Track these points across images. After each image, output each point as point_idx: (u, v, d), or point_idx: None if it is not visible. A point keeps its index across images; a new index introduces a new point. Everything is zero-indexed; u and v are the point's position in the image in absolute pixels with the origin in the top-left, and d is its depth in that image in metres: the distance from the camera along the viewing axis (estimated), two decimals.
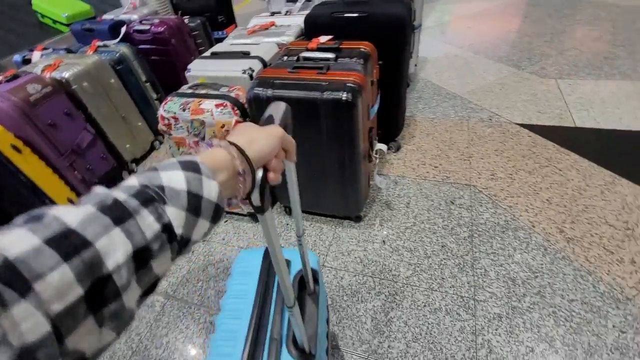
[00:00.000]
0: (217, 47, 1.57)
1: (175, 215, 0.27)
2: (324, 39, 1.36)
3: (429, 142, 1.83)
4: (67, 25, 3.45)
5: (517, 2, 3.39)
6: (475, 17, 3.20)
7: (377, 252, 1.35)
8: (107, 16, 2.54)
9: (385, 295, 1.20)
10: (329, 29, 1.45)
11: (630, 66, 2.17)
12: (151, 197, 0.26)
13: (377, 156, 1.31)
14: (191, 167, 0.30)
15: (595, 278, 1.15)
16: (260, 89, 1.12)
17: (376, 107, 1.46)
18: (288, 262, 0.76)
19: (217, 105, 1.19)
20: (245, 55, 1.44)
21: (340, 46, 1.30)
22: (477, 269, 1.24)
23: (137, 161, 2.01)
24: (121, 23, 2.31)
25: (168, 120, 1.27)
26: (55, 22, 3.70)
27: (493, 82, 2.24)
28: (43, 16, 3.78)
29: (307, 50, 1.31)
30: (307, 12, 1.80)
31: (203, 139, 1.25)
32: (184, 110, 1.23)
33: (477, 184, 1.56)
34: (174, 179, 0.28)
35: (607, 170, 1.51)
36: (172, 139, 1.31)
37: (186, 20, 2.42)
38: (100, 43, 1.92)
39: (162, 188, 0.27)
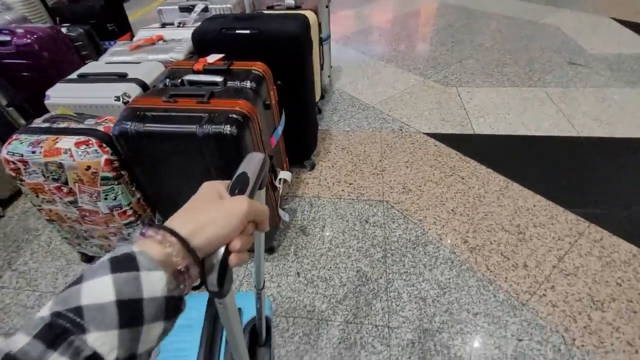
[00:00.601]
0: (88, 67, 1.33)
1: (102, 340, 0.22)
2: (212, 58, 1.22)
3: (343, 157, 1.80)
4: None
5: (422, 11, 3.60)
6: (385, 26, 3.32)
7: (292, 286, 1.26)
8: None
9: (300, 337, 1.12)
10: (220, 47, 1.31)
11: (515, 73, 2.41)
12: (63, 331, 0.22)
13: (281, 185, 1.21)
14: (124, 265, 0.25)
15: (496, 287, 1.21)
16: (129, 123, 0.95)
17: (280, 129, 1.37)
18: (240, 310, 0.67)
19: (77, 144, 0.98)
20: (122, 77, 1.24)
21: (231, 67, 1.18)
22: (391, 292, 1.22)
23: (4, 204, 1.64)
24: None
25: (15, 164, 1.02)
26: None
27: (403, 91, 2.31)
28: None
29: (193, 72, 1.16)
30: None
31: (66, 183, 1.03)
32: (33, 151, 0.99)
33: (390, 199, 1.56)
34: (98, 290, 0.24)
35: (501, 176, 1.63)
36: (25, 185, 1.06)
37: (64, 29, 2.07)
38: None
39: (79, 310, 0.23)
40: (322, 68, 2.08)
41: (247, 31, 1.28)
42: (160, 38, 1.51)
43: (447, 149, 1.81)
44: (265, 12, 1.58)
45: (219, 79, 1.12)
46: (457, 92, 2.26)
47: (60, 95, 1.18)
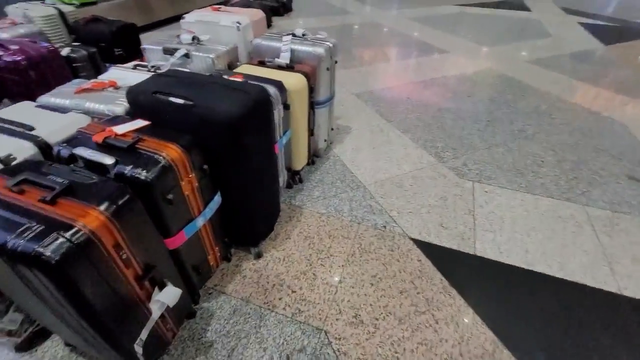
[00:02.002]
0: (11, 109, 1.18)
1: None
2: (125, 128, 1.00)
3: (301, 251, 1.48)
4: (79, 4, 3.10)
5: (464, 77, 3.24)
6: (417, 88, 3.00)
7: None
8: None
9: None
10: (151, 112, 1.10)
11: (554, 177, 1.95)
12: None
13: (157, 308, 0.92)
14: None
15: None
16: None
17: (200, 220, 1.10)
18: None
19: None
20: (27, 130, 1.06)
21: (138, 145, 0.94)
22: None
23: None
24: None
25: None
26: None
27: (407, 173, 1.96)
28: None
29: (90, 144, 0.95)
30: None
31: None
32: None
33: (331, 330, 1.20)
34: None
35: (491, 332, 1.20)
36: None
37: (66, 50, 2.05)
38: None
39: None
40: (311, 134, 1.82)
41: (181, 101, 1.05)
42: (113, 84, 1.34)
43: (432, 269, 1.41)
44: (224, 76, 1.36)
45: (109, 160, 0.89)
46: (472, 188, 1.85)
47: None
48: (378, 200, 1.76)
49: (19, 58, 1.78)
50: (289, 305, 1.27)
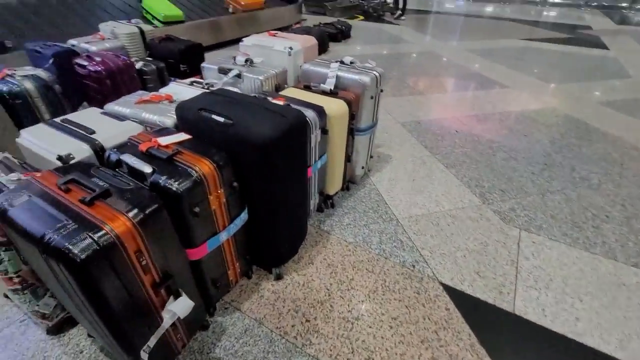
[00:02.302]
0: (79, 114, 1.33)
1: None
2: (169, 139, 1.07)
3: (322, 279, 1.44)
4: (162, 22, 4.20)
5: (524, 115, 3.03)
6: (470, 122, 2.87)
7: None
8: (72, 41, 2.47)
9: None
10: (195, 128, 1.17)
11: (619, 236, 1.70)
12: None
13: (169, 317, 0.94)
14: None
15: None
16: (2, 200, 0.83)
17: (223, 235, 1.12)
18: None
19: None
20: (89, 133, 1.18)
21: (175, 157, 1.00)
22: None
23: None
24: (66, 53, 2.21)
25: None
26: (153, 17, 4.28)
27: (445, 211, 1.84)
28: (147, 12, 4.36)
29: (136, 151, 1.02)
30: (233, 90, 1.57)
31: None
32: None
33: None
34: None
35: None
36: None
37: (139, 64, 2.30)
38: (9, 72, 1.78)
39: None
40: (349, 160, 1.80)
41: (221, 119, 1.11)
42: (169, 98, 1.46)
43: (460, 321, 1.29)
44: (268, 98, 1.40)
45: (147, 169, 0.95)
46: (518, 237, 1.69)
47: (29, 138, 1.17)
48: (410, 236, 1.67)
49: (100, 68, 2.03)
50: (301, 335, 1.23)
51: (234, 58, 1.79)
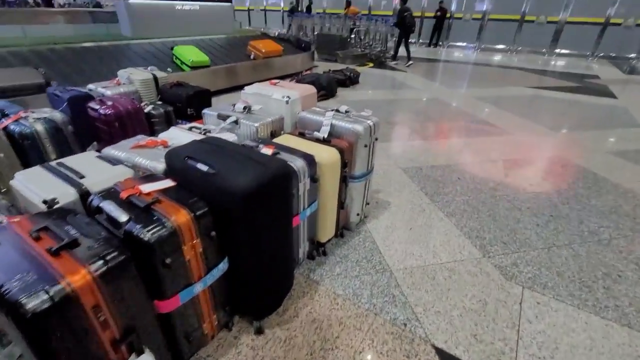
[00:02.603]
0: (75, 157, 1.38)
1: None
2: (151, 187, 1.08)
3: (306, 335, 1.36)
4: (190, 67, 4.60)
5: (529, 164, 2.98)
6: (473, 169, 2.83)
7: None
8: (91, 85, 2.65)
9: None
10: (182, 175, 1.18)
11: (634, 301, 1.56)
12: None
13: None
14: None
15: None
16: None
17: (198, 286, 1.09)
18: None
19: None
20: (77, 178, 1.21)
21: (153, 206, 1.00)
22: None
23: None
24: (81, 97, 2.35)
25: None
26: (182, 63, 4.68)
27: (443, 263, 1.76)
28: (177, 58, 4.76)
29: (117, 198, 1.03)
30: (227, 137, 1.61)
31: None
32: None
33: None
34: None
35: None
36: None
37: (148, 108, 2.41)
38: (24, 114, 1.89)
39: None
40: (342, 207, 1.78)
41: (205, 168, 1.12)
42: (164, 144, 1.51)
43: None
44: (259, 145, 1.43)
45: (123, 217, 0.95)
46: (520, 296, 1.57)
47: (21, 181, 1.21)
48: (404, 291, 1.58)
49: (110, 111, 2.15)
50: None
51: (234, 105, 1.87)
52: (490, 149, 3.24)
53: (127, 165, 1.38)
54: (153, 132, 2.43)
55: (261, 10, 15.39)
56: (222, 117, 1.80)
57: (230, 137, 1.67)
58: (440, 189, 2.50)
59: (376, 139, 1.83)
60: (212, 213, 1.08)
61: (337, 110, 1.85)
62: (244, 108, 1.82)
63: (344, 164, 1.64)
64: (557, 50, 10.19)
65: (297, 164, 1.38)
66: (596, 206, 2.33)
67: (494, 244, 1.92)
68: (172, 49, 4.89)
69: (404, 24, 7.51)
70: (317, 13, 11.37)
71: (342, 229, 1.94)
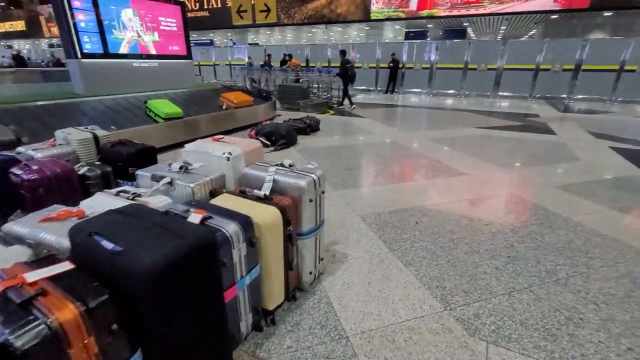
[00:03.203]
0: None
1: None
2: (41, 273, 0.90)
3: None
4: (163, 119, 4.70)
5: (484, 203, 3.04)
6: (431, 212, 2.82)
7: None
8: (21, 148, 2.44)
9: None
10: (85, 255, 1.02)
11: (600, 348, 1.49)
12: None
13: None
14: None
15: None
16: None
17: None
18: None
19: None
20: None
21: (35, 300, 0.82)
22: None
23: None
24: (4, 162, 2.15)
25: None
26: (156, 115, 4.78)
27: (403, 322, 1.63)
28: (150, 111, 4.86)
29: None
30: (159, 201, 1.47)
31: None
32: None
33: None
34: None
35: None
36: None
37: (83, 169, 2.24)
38: None
39: None
40: (290, 268, 1.64)
41: (110, 246, 0.97)
42: (80, 214, 1.34)
43: None
44: (190, 209, 1.30)
45: None
46: (485, 353, 1.45)
47: None
48: None
49: (33, 177, 1.95)
50: None
51: (170, 165, 1.75)
52: (447, 190, 3.29)
53: (29, 243, 1.19)
54: (89, 196, 2.23)
55: (226, 64, 15.96)
56: (156, 179, 1.67)
57: (162, 201, 1.53)
58: (399, 235, 2.43)
59: (322, 192, 1.76)
60: (118, 300, 0.91)
61: (282, 165, 1.78)
62: (181, 167, 1.70)
63: (287, 222, 1.53)
64: (500, 93, 11.21)
65: (230, 228, 1.25)
66: (550, 243, 2.35)
67: (454, 293, 1.83)
68: (145, 102, 4.98)
69: (347, 74, 8.56)
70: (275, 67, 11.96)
71: (295, 290, 1.78)
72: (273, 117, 7.08)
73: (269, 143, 4.91)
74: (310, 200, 1.65)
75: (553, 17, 12.47)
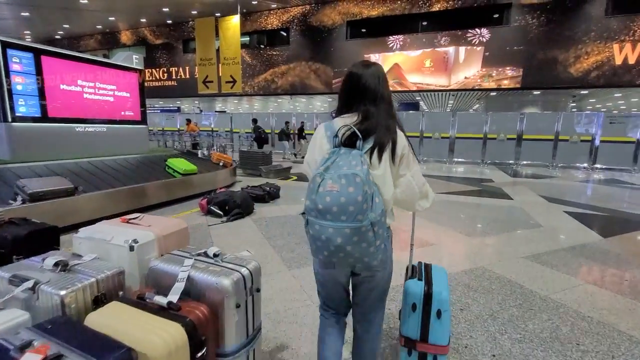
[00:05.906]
0: None
1: None
2: None
3: None
4: (181, 174, 5.39)
5: (456, 281, 2.72)
6: (397, 295, 2.44)
7: None
8: None
9: None
10: None
11: None
12: None
13: None
14: None
15: None
16: None
17: None
18: None
19: None
20: None
21: None
22: None
23: None
24: None
25: None
26: (174, 171, 5.44)
27: None
28: (169, 167, 5.51)
29: None
30: (7, 320, 0.98)
31: None
32: None
33: None
34: None
35: None
36: None
37: None
38: None
39: None
40: None
41: None
42: None
43: None
44: (23, 354, 0.84)
45: None
46: None
47: None
48: None
49: None
50: None
51: (43, 260, 1.28)
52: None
53: None
54: None
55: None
56: (15, 283, 1.18)
57: (11, 319, 1.04)
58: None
59: (257, 290, 1.34)
60: None
61: (205, 254, 1.37)
62: (56, 264, 1.23)
63: (199, 344, 1.08)
64: (455, 159, 11.84)
65: None
66: (535, 332, 2.01)
67: None
68: (165, 160, 5.62)
69: (261, 138, 10.99)
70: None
71: None
72: (233, 184, 6.71)
73: (221, 213, 4.47)
74: (238, 306, 1.22)
75: (492, 94, 14.06)
